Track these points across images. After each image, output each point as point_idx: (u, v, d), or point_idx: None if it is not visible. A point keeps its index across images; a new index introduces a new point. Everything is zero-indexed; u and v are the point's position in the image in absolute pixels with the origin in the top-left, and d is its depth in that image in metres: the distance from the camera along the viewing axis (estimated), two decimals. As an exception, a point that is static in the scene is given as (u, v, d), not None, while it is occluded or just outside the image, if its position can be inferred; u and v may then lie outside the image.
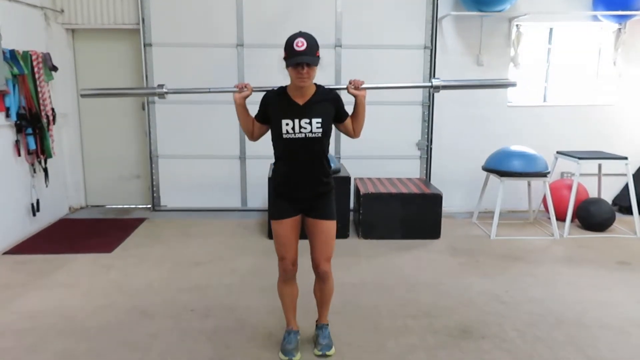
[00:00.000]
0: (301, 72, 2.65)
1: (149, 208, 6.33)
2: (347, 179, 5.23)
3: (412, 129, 6.21)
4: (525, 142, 5.78)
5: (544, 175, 5.27)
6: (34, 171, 5.29)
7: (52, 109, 5.44)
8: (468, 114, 6.14)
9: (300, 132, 2.75)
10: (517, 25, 6.00)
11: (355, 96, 2.89)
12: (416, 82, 5.99)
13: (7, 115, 4.85)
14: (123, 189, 6.45)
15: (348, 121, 2.96)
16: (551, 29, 6.20)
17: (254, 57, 5.97)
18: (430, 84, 3.12)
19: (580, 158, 5.37)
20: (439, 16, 5.92)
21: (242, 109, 2.90)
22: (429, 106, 6.12)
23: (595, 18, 5.95)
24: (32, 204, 5.25)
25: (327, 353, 2.95)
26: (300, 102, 2.79)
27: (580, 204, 5.60)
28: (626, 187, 5.76)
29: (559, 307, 3.62)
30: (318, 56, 2.69)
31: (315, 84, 2.83)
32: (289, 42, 2.66)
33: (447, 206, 5.61)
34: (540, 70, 6.30)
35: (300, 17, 5.92)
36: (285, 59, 2.68)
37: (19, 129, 4.97)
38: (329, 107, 2.83)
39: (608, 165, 5.78)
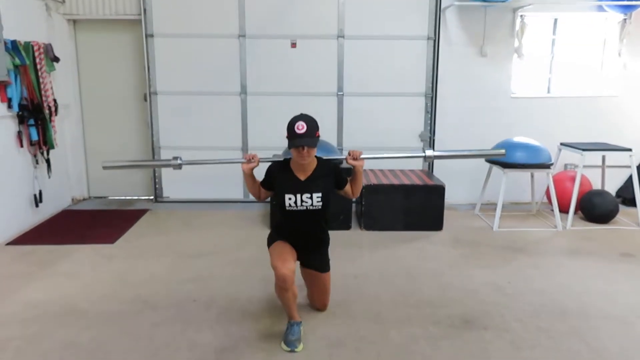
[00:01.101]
0: (302, 152, 2.91)
1: (151, 199, 6.34)
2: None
3: (414, 121, 6.18)
4: (529, 133, 5.75)
5: (547, 166, 5.24)
6: (37, 162, 5.30)
7: (54, 100, 5.43)
8: (471, 106, 6.12)
9: (302, 205, 3.01)
10: (521, 16, 5.96)
11: (353, 166, 3.10)
12: (419, 73, 6.03)
13: (9, 106, 4.85)
14: (125, 180, 6.45)
15: (347, 187, 3.20)
16: (556, 20, 6.15)
17: (256, 47, 5.94)
18: (423, 155, 3.29)
19: (584, 149, 5.35)
20: (442, 6, 5.88)
21: (249, 178, 3.15)
22: (431, 97, 6.10)
23: (600, 8, 5.90)
24: (35, 195, 5.26)
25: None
26: (302, 177, 3.04)
27: (584, 195, 5.58)
28: (630, 178, 5.75)
29: (561, 298, 3.61)
30: (318, 136, 2.96)
31: (316, 157, 3.06)
32: (290, 125, 2.91)
33: (449, 198, 5.60)
34: (544, 61, 6.26)
35: (302, 8, 5.89)
36: (287, 138, 2.94)
37: (21, 119, 4.97)
38: (328, 181, 3.10)
39: (612, 157, 5.76)
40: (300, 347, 2.93)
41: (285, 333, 2.99)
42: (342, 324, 3.20)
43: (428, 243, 4.82)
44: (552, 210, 5.37)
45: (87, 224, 5.36)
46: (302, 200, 3.00)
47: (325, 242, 3.27)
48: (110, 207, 6.09)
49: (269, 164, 3.19)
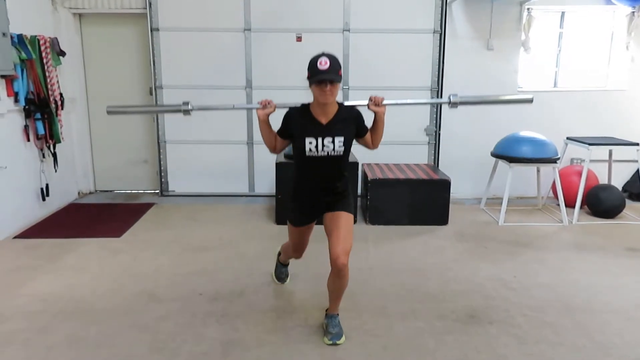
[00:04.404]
0: (324, 89, 2.73)
1: (157, 193, 6.36)
2: (355, 165, 5.21)
3: (420, 115, 6.17)
4: (535, 127, 5.72)
5: (553, 161, 5.22)
6: (43, 156, 5.32)
7: (61, 94, 5.44)
8: (477, 100, 6.08)
9: (323, 150, 2.84)
10: (528, 9, 5.91)
11: (375, 112, 2.97)
12: (425, 67, 6.00)
13: (16, 100, 4.86)
14: (131, 174, 6.48)
15: (368, 136, 3.05)
16: (563, 13, 6.10)
17: (261, 41, 5.93)
18: (448, 100, 3.15)
19: (590, 144, 5.32)
20: (448, 0, 5.85)
21: (265, 125, 2.98)
22: (437, 91, 6.07)
23: (608, 1, 5.85)
24: (42, 189, 5.28)
25: (338, 342, 2.93)
26: (324, 120, 2.86)
27: (590, 190, 5.56)
28: (637, 173, 5.71)
29: (567, 293, 3.61)
30: (340, 75, 2.79)
31: (337, 102, 2.91)
32: (312, 62, 2.76)
33: (455, 192, 5.58)
34: (551, 55, 6.22)
35: (308, 1, 5.87)
36: (308, 78, 2.78)
37: (28, 114, 4.99)
38: (350, 125, 2.92)
39: (619, 152, 5.72)
40: (287, 280, 3.67)
41: (277, 272, 3.66)
42: (348, 318, 3.20)
43: (433, 237, 4.82)
44: (558, 204, 5.35)
45: (94, 218, 5.39)
46: (323, 145, 2.83)
47: (348, 193, 3.04)
48: (116, 200, 6.11)
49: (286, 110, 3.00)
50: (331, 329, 2.97)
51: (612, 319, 3.23)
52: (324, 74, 2.70)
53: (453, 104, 3.14)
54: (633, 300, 3.51)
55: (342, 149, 2.87)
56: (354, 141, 3.00)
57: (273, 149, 3.06)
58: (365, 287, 3.69)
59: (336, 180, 2.97)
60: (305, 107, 2.93)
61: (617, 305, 3.42)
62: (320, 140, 2.83)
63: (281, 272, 3.67)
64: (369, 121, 3.03)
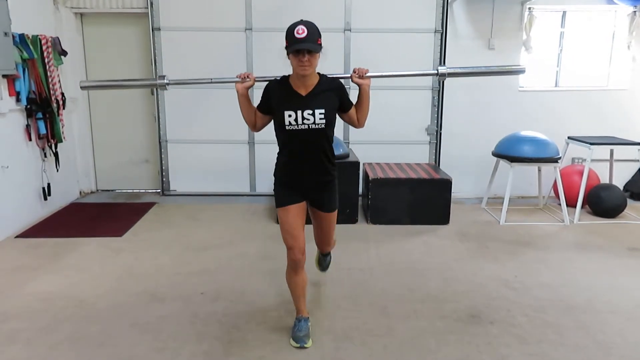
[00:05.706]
0: (302, 59, 2.62)
1: (158, 192, 6.37)
2: (356, 164, 5.21)
3: (421, 114, 6.17)
4: (536, 127, 5.73)
5: (554, 160, 5.22)
6: (45, 155, 5.33)
7: (62, 94, 5.45)
8: (478, 99, 6.08)
9: (303, 123, 2.72)
10: (529, 9, 5.91)
11: (359, 85, 2.85)
12: (426, 66, 5.95)
13: (18, 100, 4.87)
14: (132, 174, 6.49)
15: (352, 111, 2.92)
16: (564, 12, 6.09)
17: (262, 41, 5.93)
18: (435, 72, 3.06)
19: (591, 143, 5.31)
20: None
21: (244, 99, 2.87)
22: (438, 91, 6.07)
23: (609, 1, 5.84)
24: (43, 188, 5.29)
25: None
26: (303, 92, 2.76)
27: (591, 189, 5.55)
28: (638, 173, 5.71)
29: (568, 293, 3.61)
30: (320, 44, 2.66)
31: (318, 73, 2.80)
32: (289, 31, 2.64)
33: (456, 192, 5.58)
34: (552, 54, 6.21)
35: (309, 1, 5.86)
36: (286, 47, 2.66)
37: (29, 113, 4.99)
38: (332, 97, 2.79)
39: (620, 151, 5.72)
40: (309, 343, 2.90)
41: (293, 329, 2.96)
42: (349, 318, 3.20)
43: (434, 237, 4.82)
44: (560, 204, 5.35)
45: (95, 217, 5.39)
46: (303, 118, 2.70)
47: (332, 175, 2.91)
48: (118, 200, 6.12)
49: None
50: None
51: (614, 319, 3.23)
52: (301, 43, 2.58)
53: (441, 75, 3.05)
54: (634, 300, 3.51)
55: (323, 121, 2.72)
56: (340, 118, 2.90)
57: (253, 126, 2.94)
58: (366, 287, 3.70)
59: (322, 159, 2.83)
60: (284, 79, 2.83)
61: (618, 305, 3.42)
62: (299, 113, 2.71)
63: (298, 329, 2.93)
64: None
